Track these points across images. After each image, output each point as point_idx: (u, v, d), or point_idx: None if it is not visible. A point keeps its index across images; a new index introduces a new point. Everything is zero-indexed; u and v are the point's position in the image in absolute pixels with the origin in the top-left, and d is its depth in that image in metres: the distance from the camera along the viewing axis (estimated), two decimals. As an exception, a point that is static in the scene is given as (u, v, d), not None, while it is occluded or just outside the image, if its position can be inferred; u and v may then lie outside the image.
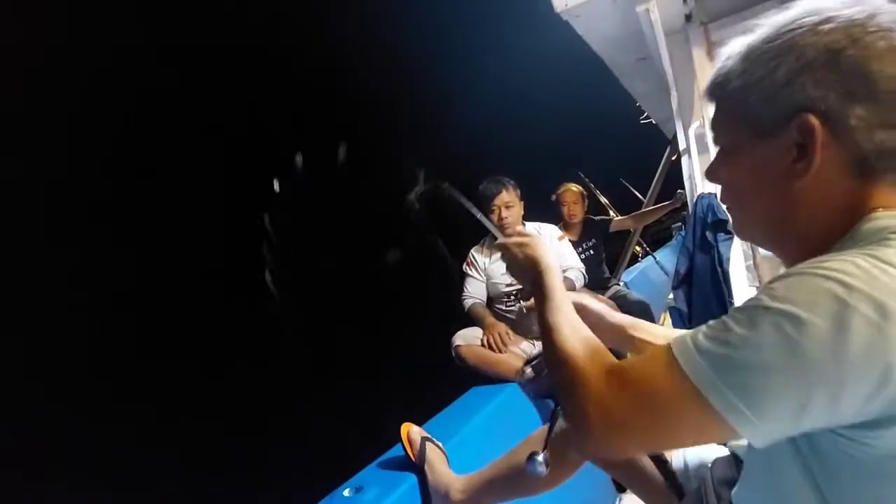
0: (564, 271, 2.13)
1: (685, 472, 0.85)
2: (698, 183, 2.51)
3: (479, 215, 0.97)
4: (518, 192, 2.18)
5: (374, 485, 1.13)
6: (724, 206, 2.29)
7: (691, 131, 2.54)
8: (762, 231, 0.58)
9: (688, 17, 2.63)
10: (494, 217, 2.13)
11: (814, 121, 0.46)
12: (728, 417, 0.41)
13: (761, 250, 2.17)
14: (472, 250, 2.26)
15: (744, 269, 2.23)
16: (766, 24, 0.52)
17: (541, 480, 0.99)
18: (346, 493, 1.12)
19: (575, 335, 0.60)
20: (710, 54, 2.47)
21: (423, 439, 1.22)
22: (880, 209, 0.47)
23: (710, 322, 0.45)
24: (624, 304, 2.92)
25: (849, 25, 0.46)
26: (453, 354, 2.00)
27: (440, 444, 1.24)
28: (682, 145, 2.71)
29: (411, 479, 1.16)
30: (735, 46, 0.55)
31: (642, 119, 5.39)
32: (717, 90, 0.57)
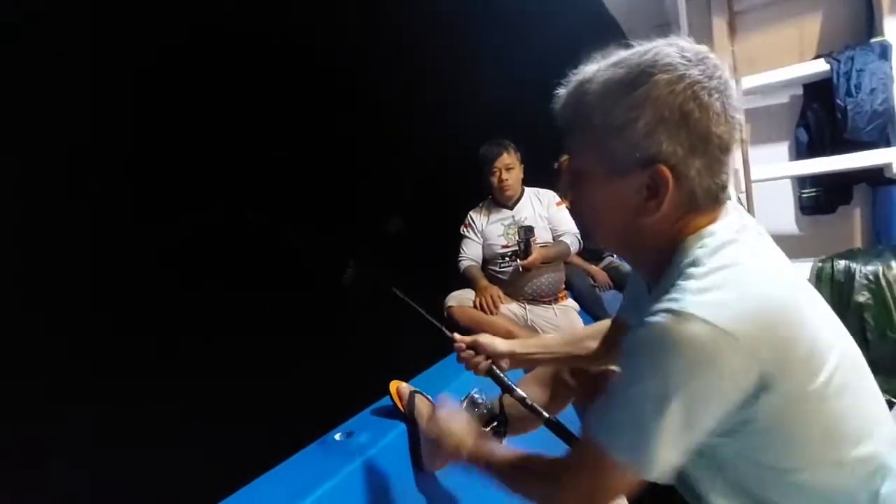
0: (560, 236, 2.14)
1: None
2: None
3: (426, 315, 1.07)
4: (519, 154, 2.15)
5: (365, 430, 1.17)
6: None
7: (702, 105, 2.49)
8: (613, 247, 0.77)
9: (711, -17, 2.52)
10: (494, 179, 2.11)
11: (666, 172, 0.56)
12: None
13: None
14: (471, 212, 2.26)
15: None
16: (623, 62, 0.59)
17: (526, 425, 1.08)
18: (337, 437, 1.16)
19: (513, 472, 0.71)
20: (732, 24, 2.38)
21: (412, 392, 1.26)
22: (695, 231, 0.59)
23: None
24: (616, 275, 2.95)
25: (697, 88, 0.55)
26: (445, 315, 2.03)
27: (428, 396, 1.28)
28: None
29: (400, 426, 1.20)
30: (592, 75, 0.61)
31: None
32: (577, 120, 0.63)
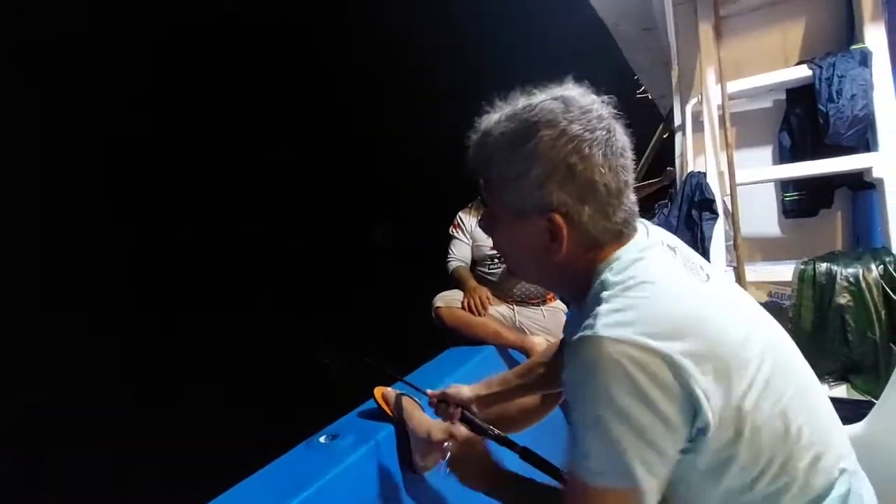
0: None
1: None
2: (689, 161, 2.52)
3: (402, 379, 1.16)
4: None
5: (351, 433, 1.15)
6: (709, 186, 2.30)
7: (688, 108, 2.52)
8: (535, 281, 0.78)
9: (698, -12, 2.55)
10: None
11: (559, 219, 0.62)
12: None
13: (742, 231, 2.21)
14: (460, 212, 2.25)
15: (723, 249, 2.28)
16: (515, 117, 0.64)
17: (520, 423, 1.14)
18: (322, 439, 1.14)
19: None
20: (717, 29, 2.41)
21: (398, 395, 1.25)
22: (603, 259, 0.64)
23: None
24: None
25: (578, 142, 0.60)
26: (433, 315, 2.01)
27: (415, 398, 1.26)
28: (677, 121, 2.69)
29: (387, 428, 1.19)
30: (492, 127, 0.67)
31: (638, 93, 5.31)
32: (481, 168, 0.70)
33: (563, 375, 0.60)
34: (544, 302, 2.15)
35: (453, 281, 2.12)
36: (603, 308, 0.57)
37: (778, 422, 0.56)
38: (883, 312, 1.71)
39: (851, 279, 1.78)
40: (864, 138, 2.10)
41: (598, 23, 3.20)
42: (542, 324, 2.08)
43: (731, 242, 2.24)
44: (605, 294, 0.59)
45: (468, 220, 2.20)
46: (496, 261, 2.10)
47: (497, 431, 0.95)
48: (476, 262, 2.18)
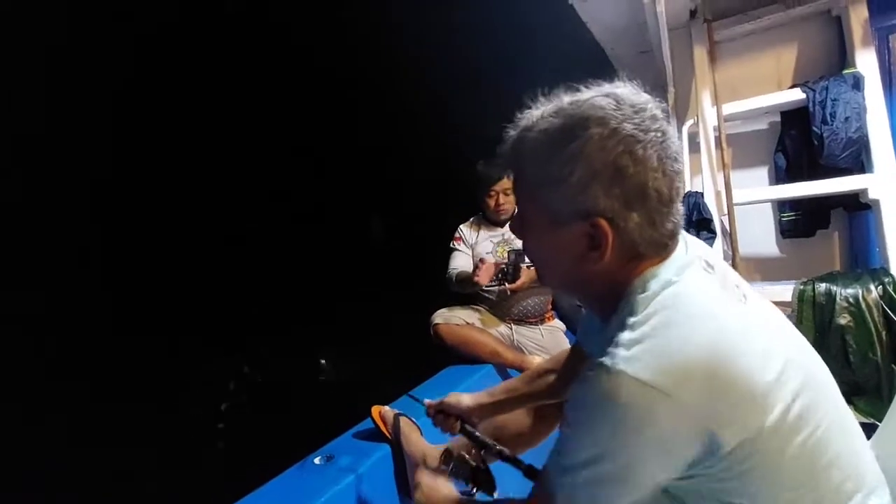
0: None
1: None
2: (687, 181, 2.54)
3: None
4: None
5: (346, 454, 1.13)
6: (706, 206, 2.31)
7: (685, 129, 2.55)
8: (562, 289, 0.76)
9: (692, 13, 2.61)
10: (492, 202, 2.10)
11: (604, 224, 0.57)
12: None
13: (741, 251, 2.22)
14: (462, 226, 2.25)
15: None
16: (560, 112, 0.59)
17: (522, 437, 1.07)
18: (316, 461, 1.12)
19: None
20: (712, 53, 2.46)
21: (396, 415, 1.23)
22: (639, 275, 0.59)
23: None
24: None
25: (631, 142, 0.55)
26: (431, 333, 2.00)
27: (412, 419, 1.24)
28: (673, 143, 2.72)
29: (383, 449, 1.17)
30: (533, 123, 0.62)
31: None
32: (518, 167, 0.65)
33: (572, 387, 0.58)
34: (543, 321, 2.14)
35: (454, 291, 2.10)
36: (626, 337, 0.53)
37: (810, 454, 0.53)
38: (884, 333, 1.70)
39: (851, 300, 1.77)
40: (858, 160, 2.13)
41: (596, 46, 3.26)
42: (541, 343, 2.07)
43: (730, 262, 2.24)
44: (631, 320, 0.55)
45: (469, 234, 2.20)
46: (495, 278, 2.10)
47: (499, 447, 0.91)
48: (475, 280, 2.17)
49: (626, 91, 0.59)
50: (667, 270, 0.58)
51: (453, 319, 1.99)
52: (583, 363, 0.84)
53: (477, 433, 0.96)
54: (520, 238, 0.69)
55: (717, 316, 0.55)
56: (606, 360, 0.52)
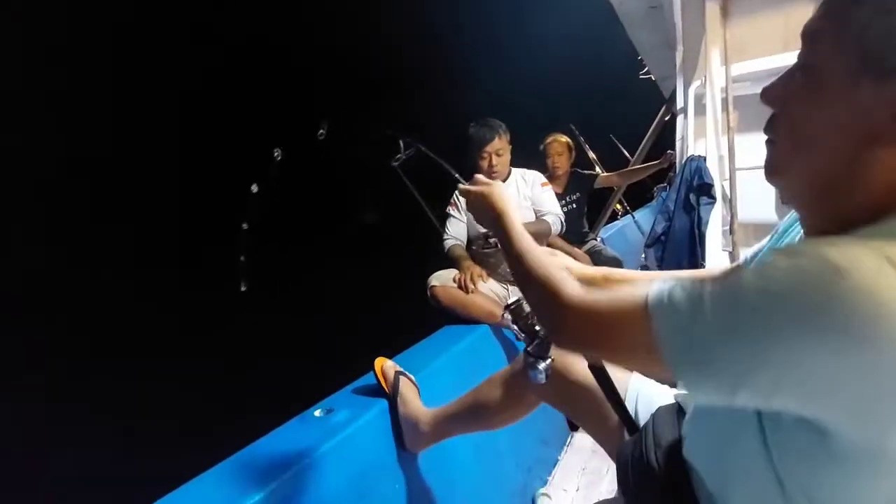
0: (542, 215, 2.13)
1: (635, 412, 0.89)
2: (690, 144, 2.50)
3: (450, 170, 1.11)
4: (508, 136, 2.12)
5: (345, 407, 1.17)
6: (708, 171, 2.28)
7: (691, 90, 2.48)
8: (807, 186, 0.50)
9: (706, -34, 2.49)
10: (484, 163, 2.08)
11: None
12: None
13: (739, 217, 2.21)
14: (457, 191, 2.23)
15: (720, 233, 2.28)
16: None
17: (501, 416, 1.07)
18: (317, 413, 1.16)
19: (543, 259, 0.64)
20: (724, 9, 2.36)
21: (397, 373, 1.26)
22: None
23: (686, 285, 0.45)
24: (598, 259, 2.98)
25: None
26: (428, 294, 2.02)
27: (413, 378, 1.28)
28: (679, 104, 2.66)
29: (381, 404, 1.20)
30: None
31: (641, 74, 5.23)
32: (833, 13, 0.47)
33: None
34: (539, 282, 2.16)
35: (448, 259, 2.12)
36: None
37: None
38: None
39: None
40: None
41: (604, 4, 3.12)
42: (537, 304, 2.10)
43: (728, 227, 2.24)
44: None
45: (463, 200, 2.19)
46: (491, 240, 2.10)
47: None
48: (471, 241, 2.18)
49: None
50: None
51: (450, 281, 2.01)
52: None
53: None
54: (776, 103, 0.52)
55: None
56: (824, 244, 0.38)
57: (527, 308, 0.91)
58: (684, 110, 2.59)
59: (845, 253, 0.37)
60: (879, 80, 0.43)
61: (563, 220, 2.15)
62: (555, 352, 0.90)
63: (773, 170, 0.53)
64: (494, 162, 2.07)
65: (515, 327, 0.92)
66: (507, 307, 0.94)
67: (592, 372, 0.85)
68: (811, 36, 0.50)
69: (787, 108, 0.51)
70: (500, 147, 2.06)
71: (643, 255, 2.46)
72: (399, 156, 1.09)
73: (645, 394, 0.90)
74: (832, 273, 0.36)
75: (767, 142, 0.54)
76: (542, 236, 2.11)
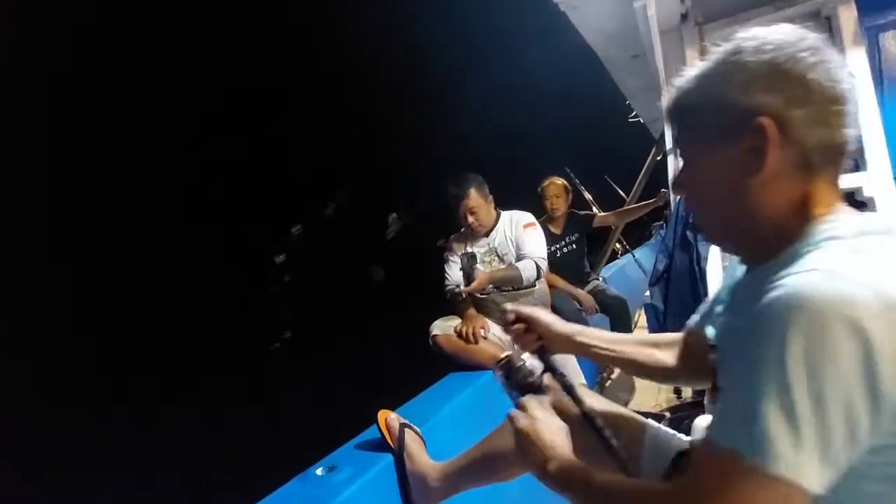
0: (522, 258, 2.12)
1: (650, 455, 0.86)
2: (682, 183, 2.54)
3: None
4: (484, 189, 2.13)
5: (348, 464, 1.12)
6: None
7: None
8: (727, 233, 0.66)
9: (683, 17, 2.63)
10: (463, 220, 2.12)
11: (766, 121, 0.54)
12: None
13: (738, 252, 2.22)
14: (453, 236, 2.28)
15: (720, 268, 2.28)
16: (712, 56, 0.61)
17: (516, 465, 1.01)
18: (318, 471, 1.11)
19: (616, 485, 0.61)
20: (703, 55, 2.48)
21: (402, 426, 1.22)
22: (819, 215, 0.55)
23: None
24: (602, 298, 2.96)
25: (784, 45, 0.56)
26: (430, 343, 2.00)
27: (418, 430, 1.24)
28: (668, 144, 2.73)
29: (386, 459, 1.16)
30: (687, 74, 0.64)
31: (630, 118, 5.42)
32: (676, 110, 0.66)
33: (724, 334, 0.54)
34: (540, 325, 2.14)
35: (451, 304, 2.11)
36: (832, 251, 0.49)
37: None
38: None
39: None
40: (852, 159, 2.14)
41: (590, 50, 3.29)
42: (540, 347, 2.07)
43: (727, 262, 2.24)
44: (829, 243, 0.50)
45: (459, 246, 2.23)
46: (489, 285, 2.10)
47: (570, 381, 0.83)
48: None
49: (797, 29, 0.59)
50: (858, 221, 0.53)
51: (451, 329, 1.99)
52: (700, 346, 0.81)
53: (550, 358, 0.87)
54: (682, 192, 0.68)
55: None
56: (814, 265, 0.47)
57: (518, 362, 0.88)
58: (674, 150, 2.66)
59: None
60: (725, 141, 0.59)
61: (543, 262, 2.12)
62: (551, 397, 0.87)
63: (706, 234, 0.71)
64: (470, 220, 2.11)
65: (507, 384, 0.87)
66: (498, 363, 0.89)
67: (584, 421, 0.81)
68: (676, 142, 0.68)
69: (688, 190, 0.67)
70: (473, 204, 2.09)
71: (648, 294, 2.44)
72: (390, 230, 1.11)
73: (662, 437, 0.89)
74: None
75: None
76: (510, 281, 2.08)
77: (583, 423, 0.79)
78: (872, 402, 0.42)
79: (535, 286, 2.14)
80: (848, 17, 2.22)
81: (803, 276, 0.47)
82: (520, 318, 0.93)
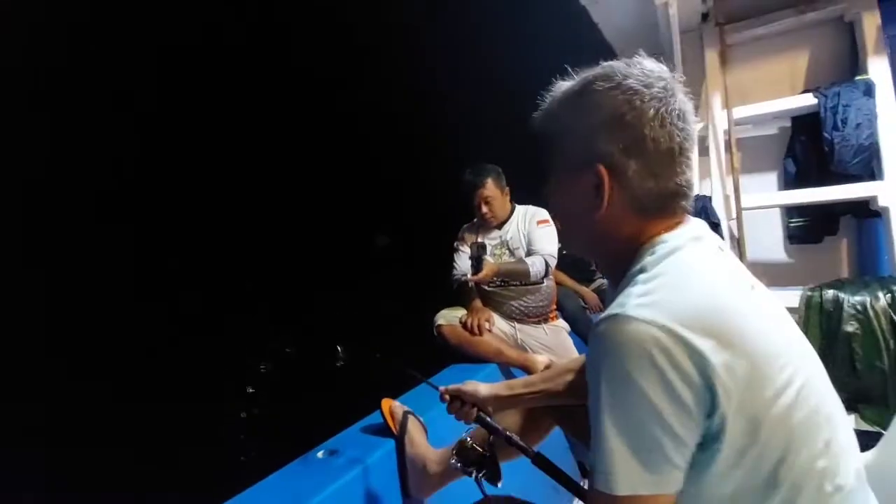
0: (533, 253, 2.10)
1: None
2: (696, 184, 2.53)
3: (414, 372, 1.13)
4: (501, 181, 2.12)
5: (349, 448, 1.13)
6: (714, 210, 2.30)
7: (694, 133, 2.54)
8: (583, 250, 0.73)
9: (704, 17, 2.60)
10: (477, 209, 2.10)
11: (603, 171, 0.60)
12: None
13: (748, 255, 2.21)
14: (465, 227, 2.26)
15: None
16: (580, 77, 0.65)
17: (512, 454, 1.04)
18: (319, 454, 1.12)
19: None
20: (723, 56, 2.45)
21: (405, 413, 1.23)
22: (648, 240, 0.62)
23: None
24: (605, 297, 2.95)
25: (631, 94, 0.59)
26: (434, 333, 2.00)
27: (420, 419, 1.24)
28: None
29: (386, 444, 1.17)
30: (557, 92, 0.68)
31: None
32: (542, 127, 0.70)
33: (586, 358, 0.57)
34: (546, 320, 2.13)
35: (458, 294, 2.11)
36: (636, 290, 0.55)
37: (796, 442, 0.52)
38: (891, 342, 1.69)
39: (859, 307, 1.76)
40: (869, 167, 2.11)
41: (607, 47, 3.26)
42: (544, 341, 2.06)
43: (736, 267, 2.23)
44: (640, 277, 0.57)
45: (470, 237, 2.21)
46: (496, 277, 2.09)
47: (511, 434, 0.91)
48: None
49: (648, 61, 0.63)
50: (677, 238, 0.60)
51: (456, 319, 1.99)
52: None
53: (491, 421, 0.95)
54: (548, 199, 0.73)
55: (728, 286, 0.57)
56: (616, 310, 0.53)
57: (467, 443, 0.95)
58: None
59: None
60: (575, 175, 0.64)
61: (552, 260, 2.10)
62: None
63: (566, 243, 0.78)
64: (484, 210, 2.09)
65: (462, 467, 0.94)
66: (452, 452, 0.96)
67: (536, 464, 0.87)
68: (541, 155, 0.71)
69: (552, 206, 0.73)
70: (489, 194, 2.07)
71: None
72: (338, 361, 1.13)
73: None
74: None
75: None
76: (518, 275, 2.07)
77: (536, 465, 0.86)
78: (683, 414, 0.49)
79: (542, 283, 2.13)
80: (871, 24, 2.19)
81: (609, 320, 0.53)
82: (452, 397, 1.01)
